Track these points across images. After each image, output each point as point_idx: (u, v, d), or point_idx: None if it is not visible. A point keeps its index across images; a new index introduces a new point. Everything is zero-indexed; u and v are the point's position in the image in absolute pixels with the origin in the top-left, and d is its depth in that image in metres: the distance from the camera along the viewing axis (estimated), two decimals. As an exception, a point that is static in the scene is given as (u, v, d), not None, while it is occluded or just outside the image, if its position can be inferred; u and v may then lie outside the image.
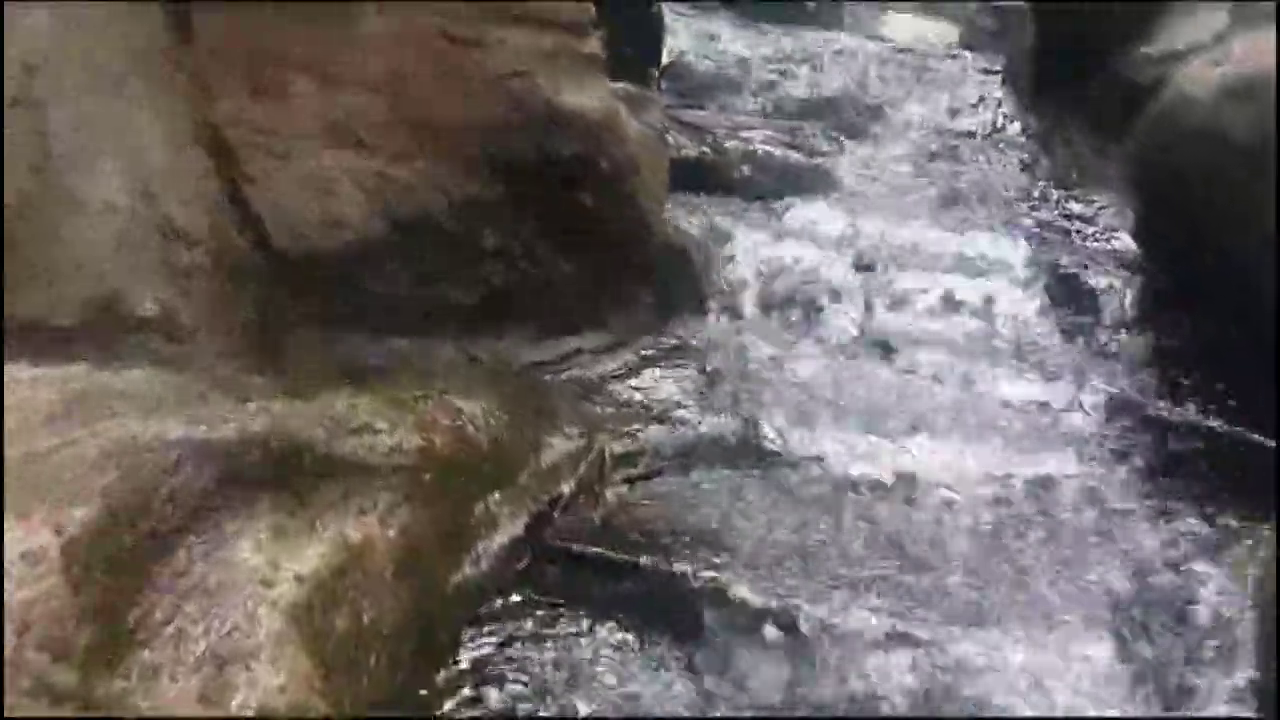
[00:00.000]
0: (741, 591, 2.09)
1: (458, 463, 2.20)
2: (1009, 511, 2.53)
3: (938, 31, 7.64)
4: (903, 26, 7.83)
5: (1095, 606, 2.21)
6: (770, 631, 2.05)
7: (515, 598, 2.11)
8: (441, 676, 1.94)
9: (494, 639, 2.01)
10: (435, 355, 2.79)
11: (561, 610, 2.09)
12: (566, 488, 2.38)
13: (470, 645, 1.99)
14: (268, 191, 2.48)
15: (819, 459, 2.62)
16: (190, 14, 2.42)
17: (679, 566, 2.15)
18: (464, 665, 1.96)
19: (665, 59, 6.21)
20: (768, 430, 2.76)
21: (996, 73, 6.12)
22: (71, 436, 1.62)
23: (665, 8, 6.31)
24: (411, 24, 2.68)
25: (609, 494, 2.46)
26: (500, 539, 2.15)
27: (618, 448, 2.57)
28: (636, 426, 2.69)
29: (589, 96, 2.99)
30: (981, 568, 2.32)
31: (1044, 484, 2.66)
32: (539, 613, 2.09)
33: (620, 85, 4.66)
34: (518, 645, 2.01)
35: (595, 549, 2.21)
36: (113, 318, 2.08)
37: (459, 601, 2.02)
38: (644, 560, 2.17)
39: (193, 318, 2.21)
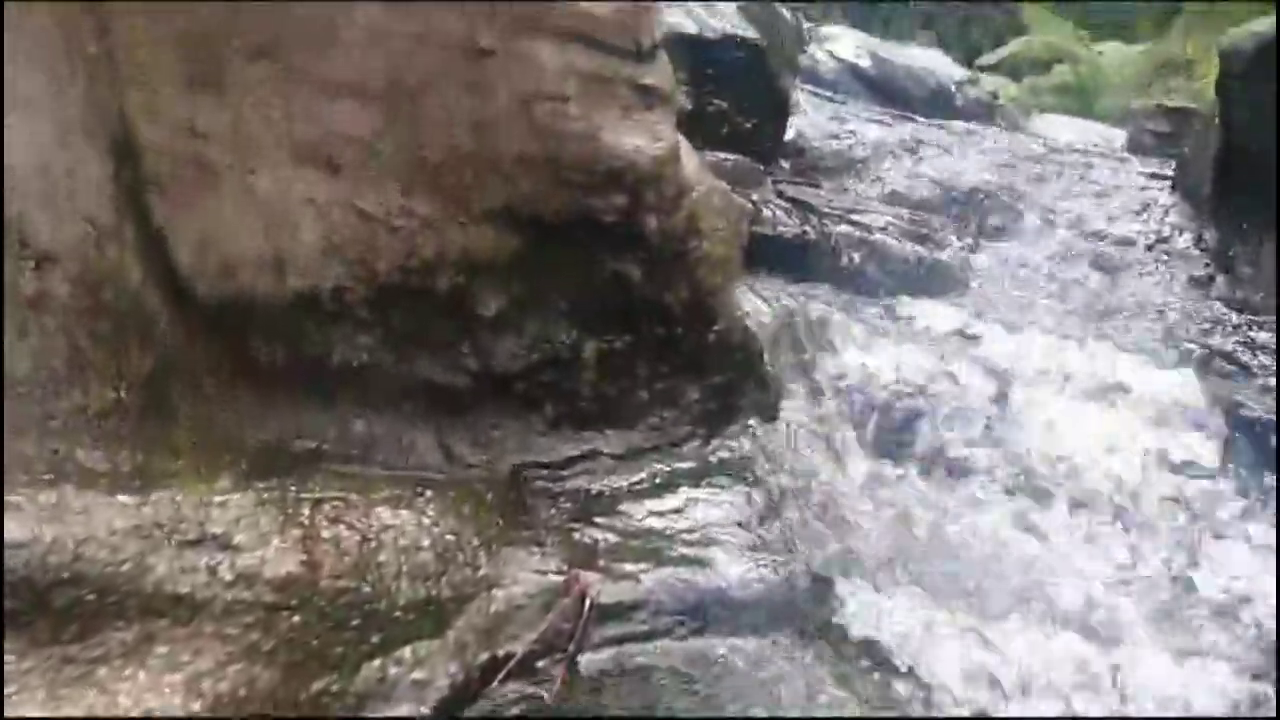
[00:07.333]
0: None
1: (349, 600, 1.55)
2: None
3: (1100, 133, 6.89)
4: (1061, 126, 7.11)
5: None
6: None
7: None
8: None
9: None
10: (407, 444, 2.16)
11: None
12: (519, 647, 1.70)
13: None
14: (187, 212, 1.91)
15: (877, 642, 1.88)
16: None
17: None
18: None
19: (788, 135, 5.64)
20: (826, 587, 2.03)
21: (1166, 178, 5.34)
22: None
23: (797, 85, 5.75)
24: (425, 20, 2.10)
25: (582, 660, 1.76)
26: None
27: (607, 595, 1.86)
28: (643, 566, 1.98)
29: (640, 137, 2.36)
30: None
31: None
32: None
33: (727, 156, 4.10)
34: None
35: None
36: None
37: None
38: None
39: (35, 365, 1.62)
